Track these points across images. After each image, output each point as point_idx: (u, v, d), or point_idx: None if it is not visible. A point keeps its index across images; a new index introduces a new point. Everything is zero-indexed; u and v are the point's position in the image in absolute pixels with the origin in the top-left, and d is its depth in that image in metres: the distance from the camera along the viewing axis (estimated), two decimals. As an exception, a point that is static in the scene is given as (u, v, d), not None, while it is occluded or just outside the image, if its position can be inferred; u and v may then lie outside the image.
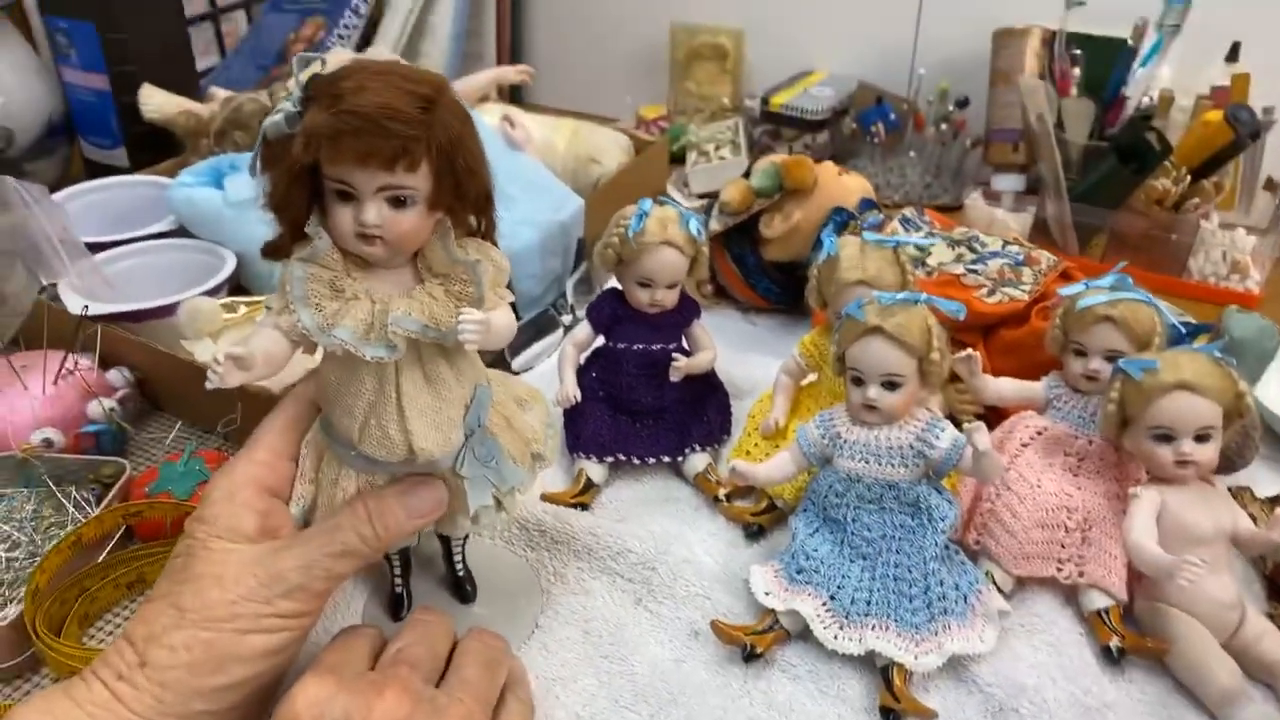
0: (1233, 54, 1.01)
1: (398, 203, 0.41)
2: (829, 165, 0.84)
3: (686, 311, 0.68)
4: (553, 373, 0.78)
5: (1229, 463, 0.65)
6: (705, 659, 0.54)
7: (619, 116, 1.27)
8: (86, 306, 0.68)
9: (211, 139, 0.92)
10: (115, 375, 0.71)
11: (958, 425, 0.55)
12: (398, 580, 0.56)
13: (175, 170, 0.90)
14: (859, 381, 0.55)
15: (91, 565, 0.57)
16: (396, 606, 0.56)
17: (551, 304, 0.87)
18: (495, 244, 0.47)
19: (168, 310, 0.73)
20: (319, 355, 0.46)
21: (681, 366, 0.66)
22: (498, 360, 0.78)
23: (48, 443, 0.65)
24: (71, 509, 0.62)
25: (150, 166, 0.97)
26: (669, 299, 0.66)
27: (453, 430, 0.46)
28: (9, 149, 1.00)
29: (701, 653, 0.55)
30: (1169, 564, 0.51)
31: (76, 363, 0.69)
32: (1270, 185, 1.00)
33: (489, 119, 0.97)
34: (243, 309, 0.73)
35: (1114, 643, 0.54)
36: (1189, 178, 0.91)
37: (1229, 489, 0.62)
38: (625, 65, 1.35)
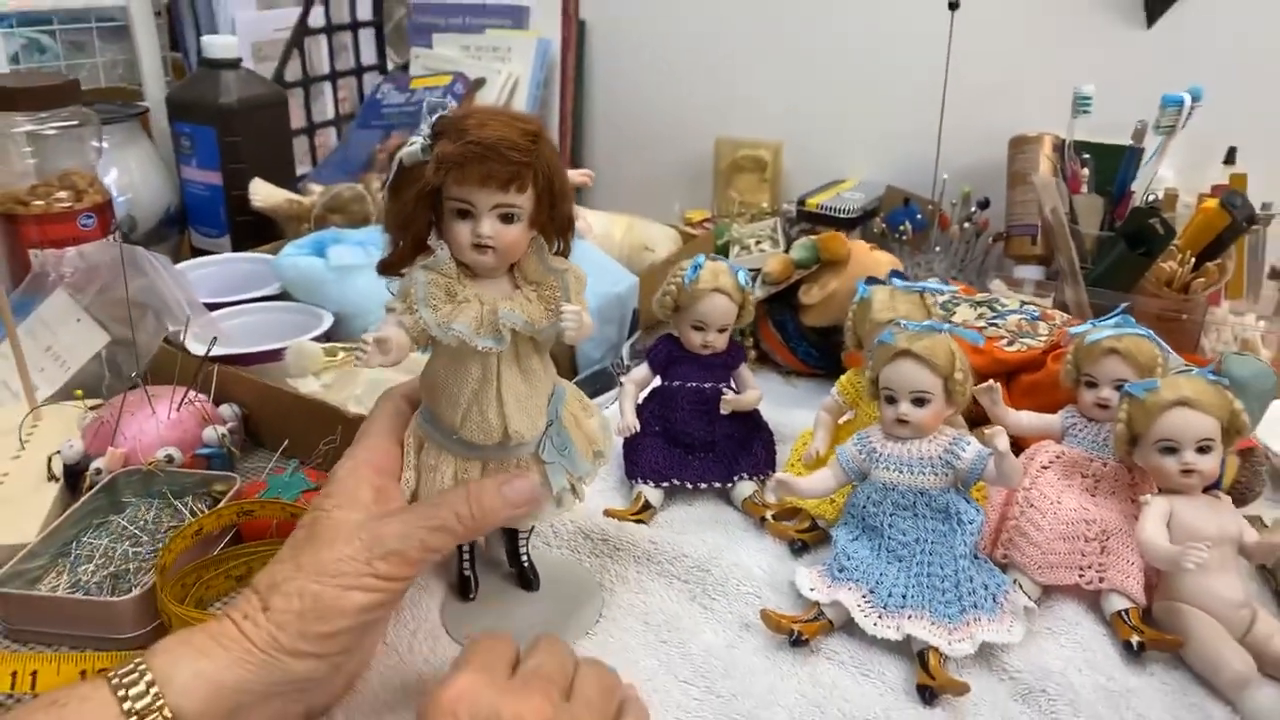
0: (1229, 157, 1.11)
1: (507, 219, 0.50)
2: (860, 242, 0.93)
3: (734, 355, 0.76)
4: (613, 415, 0.86)
5: (1240, 495, 0.70)
6: (755, 645, 0.60)
7: (668, 220, 1.39)
8: (211, 346, 0.78)
9: (312, 222, 1.05)
10: (226, 409, 0.80)
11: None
12: (466, 563, 0.63)
13: (277, 250, 1.02)
14: (891, 400, 0.62)
15: (208, 557, 0.65)
16: (465, 588, 0.63)
17: (609, 365, 0.96)
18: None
19: (275, 355, 0.83)
20: (420, 356, 0.54)
21: (731, 400, 0.74)
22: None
23: (169, 459, 0.73)
24: (188, 514, 0.70)
25: (247, 250, 1.10)
26: (720, 342, 0.74)
27: (539, 418, 0.54)
28: (132, 234, 1.14)
29: (752, 640, 0.60)
30: (1175, 553, 0.56)
31: (196, 396, 0.78)
32: (1274, 274, 1.08)
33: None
34: (341, 353, 0.83)
35: (1134, 638, 0.58)
36: (1194, 260, 0.99)
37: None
38: (673, 173, 1.49)
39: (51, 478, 0.73)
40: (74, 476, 0.74)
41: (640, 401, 0.78)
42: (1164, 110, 1.00)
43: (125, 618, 0.59)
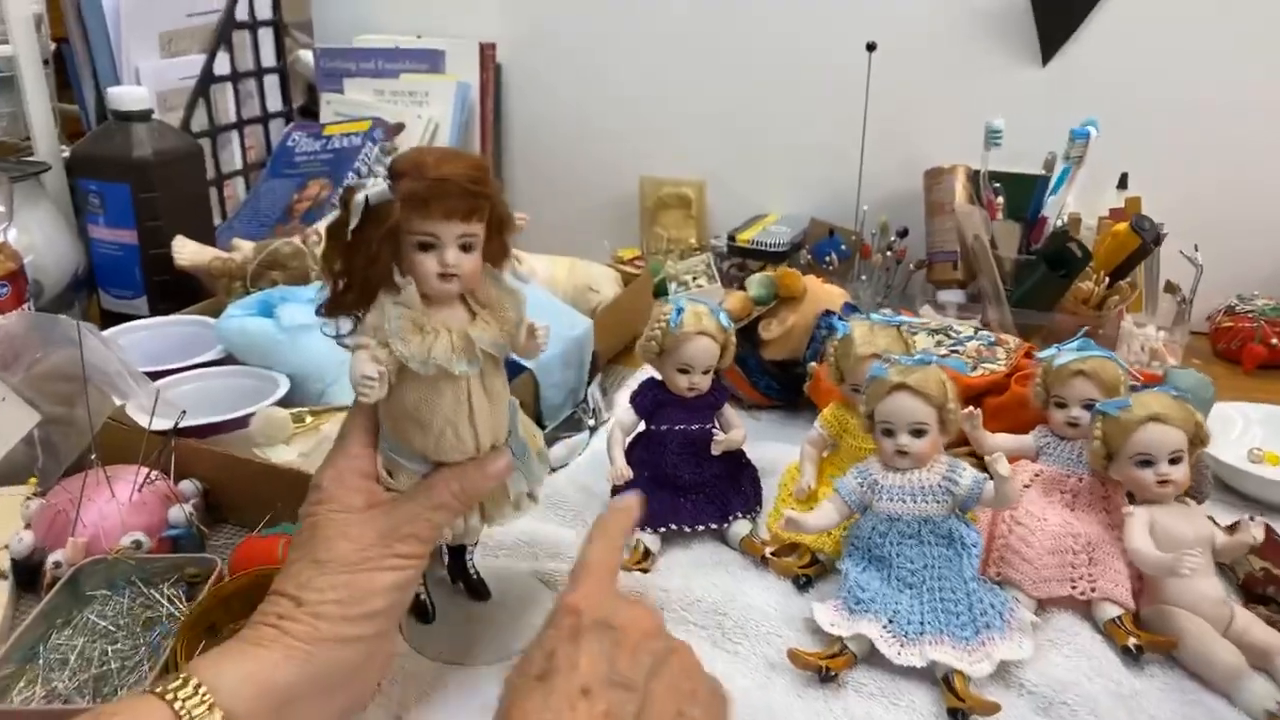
0: (1122, 182, 1.21)
1: (466, 248, 0.52)
2: (814, 277, 0.97)
3: (718, 395, 0.77)
4: (587, 465, 0.86)
5: (1191, 499, 0.76)
6: (786, 685, 0.60)
7: (598, 259, 1.39)
8: (179, 421, 0.73)
9: (247, 280, 1.00)
10: (187, 485, 0.75)
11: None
12: (421, 588, 0.64)
13: (213, 310, 0.97)
14: (889, 433, 0.65)
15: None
16: (423, 612, 0.65)
17: (574, 408, 0.96)
18: None
19: (236, 424, 0.78)
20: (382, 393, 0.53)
21: (722, 441, 0.75)
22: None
23: (137, 544, 0.68)
24: (165, 604, 0.65)
25: (168, 314, 1.04)
26: (704, 383, 0.75)
27: (502, 430, 0.57)
28: (39, 300, 1.06)
29: (781, 680, 0.61)
30: (1170, 560, 0.60)
31: (156, 475, 0.73)
32: (1170, 289, 1.17)
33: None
34: (309, 419, 0.79)
35: (1131, 642, 0.62)
36: (1107, 280, 1.07)
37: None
38: (599, 213, 1.50)
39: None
40: (25, 572, 0.68)
41: (627, 446, 0.78)
42: (1072, 142, 1.08)
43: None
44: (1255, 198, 1.21)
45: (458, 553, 0.67)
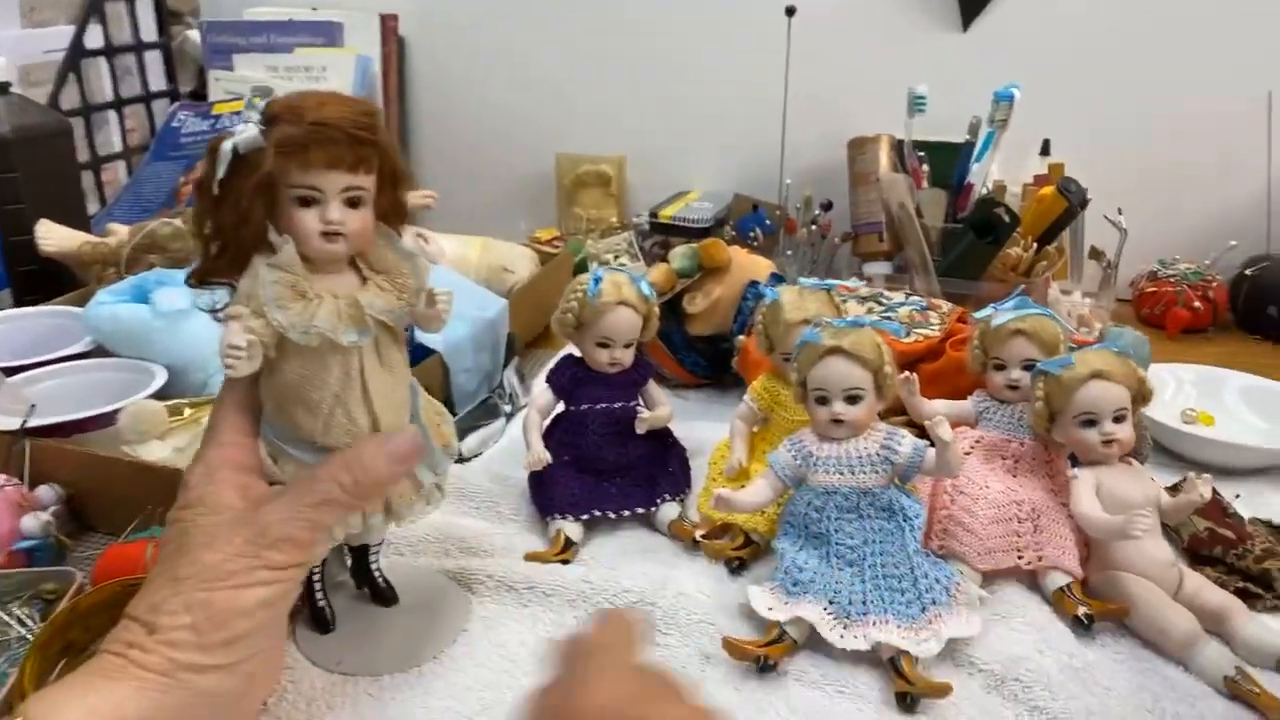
0: (1045, 149, 1.20)
1: (353, 204, 0.46)
2: (738, 247, 0.92)
3: (641, 371, 0.72)
4: (502, 453, 0.79)
5: (1133, 458, 0.73)
6: (721, 678, 0.55)
7: (514, 241, 1.33)
8: (27, 417, 0.64)
9: (122, 265, 0.91)
10: (45, 491, 0.67)
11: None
12: (320, 594, 0.58)
13: (82, 300, 0.88)
14: (823, 400, 0.60)
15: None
16: (322, 619, 0.58)
17: (489, 394, 0.89)
18: None
19: (103, 420, 0.70)
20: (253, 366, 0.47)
21: (647, 418, 0.70)
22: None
23: (-18, 560, 0.60)
24: (15, 625, 0.57)
25: (35, 305, 0.94)
26: (626, 358, 0.70)
27: (404, 411, 0.51)
28: (-118, 294, 0.95)
29: (716, 673, 0.56)
30: (1120, 523, 0.57)
31: (6, 480, 0.64)
32: (1094, 254, 1.16)
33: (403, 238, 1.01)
34: (188, 411, 0.71)
35: (1081, 611, 0.59)
36: (1035, 245, 1.05)
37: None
38: (514, 193, 1.43)
39: None
40: None
41: (545, 429, 0.72)
42: (997, 105, 1.05)
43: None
44: (1174, 163, 1.21)
45: (360, 553, 0.60)
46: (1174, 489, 0.73)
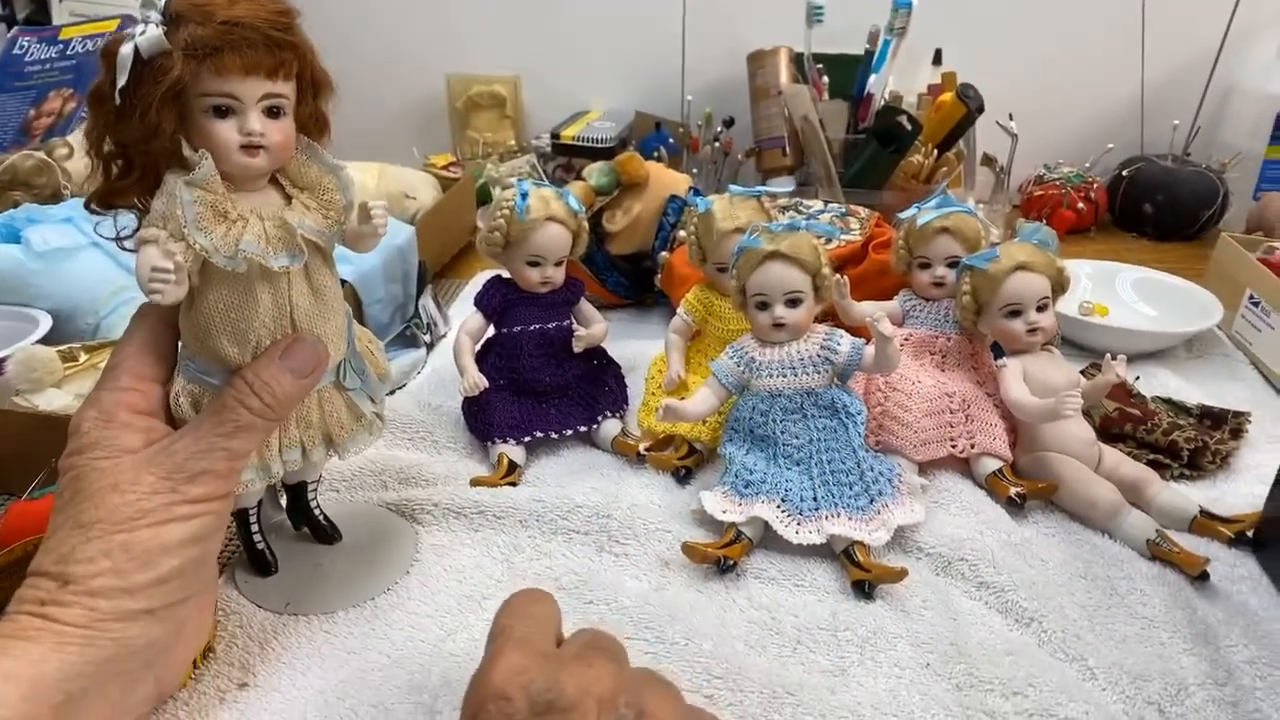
0: (937, 58, 1.22)
1: (273, 113, 0.43)
2: (654, 162, 0.90)
3: (573, 289, 0.70)
4: (429, 382, 0.77)
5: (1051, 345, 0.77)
6: (684, 582, 0.56)
7: (409, 168, 1.27)
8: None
9: (-19, 204, 0.82)
10: (-72, 452, 0.61)
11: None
12: (257, 535, 0.55)
13: (-63, 244, 0.79)
14: (764, 305, 0.60)
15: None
16: (263, 563, 0.56)
17: (405, 324, 0.86)
18: None
19: (-14, 370, 0.64)
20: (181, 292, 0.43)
21: (583, 336, 0.68)
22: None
23: None
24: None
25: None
26: (558, 276, 0.68)
27: (340, 340, 0.49)
28: None
29: (678, 578, 0.56)
30: (1052, 404, 0.60)
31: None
32: (986, 160, 1.20)
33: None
34: (83, 356, 0.65)
35: (1014, 492, 0.62)
36: (935, 152, 1.07)
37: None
38: (403, 117, 1.37)
39: None
40: None
41: (476, 354, 0.69)
42: (896, 12, 1.06)
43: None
44: (1056, 68, 1.25)
45: (297, 491, 0.57)
46: (1084, 373, 0.77)
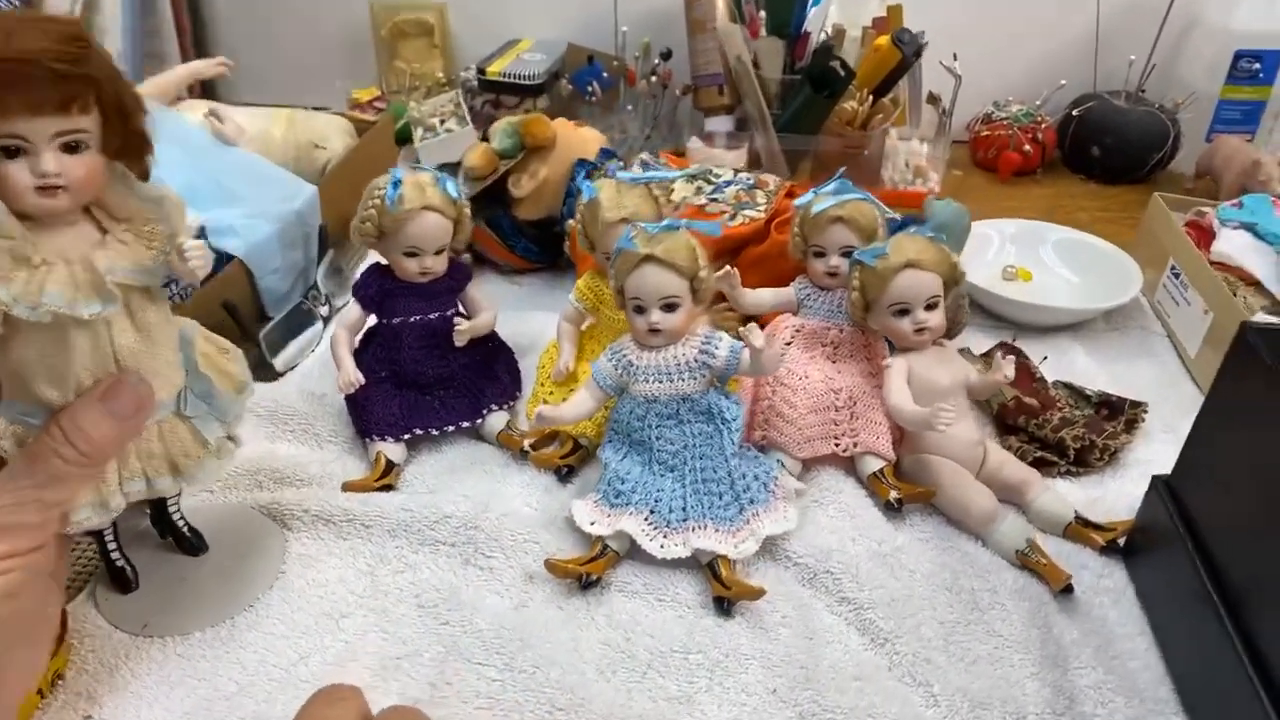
0: (884, -12, 1.15)
1: (72, 149, 0.41)
2: (564, 120, 0.86)
3: (458, 276, 0.68)
4: (318, 367, 0.75)
5: (950, 330, 0.75)
6: (545, 598, 0.56)
7: (331, 104, 1.21)
8: None
9: None
10: None
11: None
12: (114, 553, 0.54)
13: None
14: (640, 309, 0.58)
15: None
16: (122, 579, 0.55)
17: (302, 298, 0.83)
18: None
19: None
20: None
21: (465, 329, 0.66)
22: (259, 363, 0.74)
23: None
24: None
25: None
26: (439, 265, 0.65)
27: (173, 374, 0.47)
28: None
29: (540, 593, 0.56)
30: (926, 415, 0.58)
31: None
32: (931, 99, 1.15)
33: (192, 116, 0.90)
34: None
35: (892, 496, 0.61)
36: (871, 98, 1.02)
37: (953, 351, 0.72)
38: (328, 50, 1.30)
39: None
40: None
41: (356, 347, 0.67)
42: (833, -54, 1.00)
43: None
44: (1009, 2, 1.19)
45: (159, 504, 0.56)
46: (989, 355, 0.76)
